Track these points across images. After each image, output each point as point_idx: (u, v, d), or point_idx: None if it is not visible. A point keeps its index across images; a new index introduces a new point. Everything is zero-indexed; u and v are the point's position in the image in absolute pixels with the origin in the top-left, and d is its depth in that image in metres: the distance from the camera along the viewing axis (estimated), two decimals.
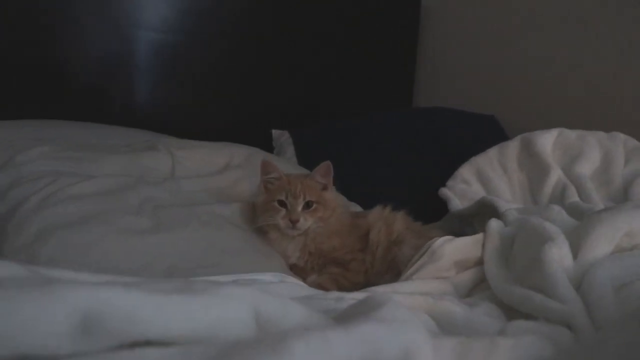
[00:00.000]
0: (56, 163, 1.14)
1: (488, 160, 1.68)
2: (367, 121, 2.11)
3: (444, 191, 1.61)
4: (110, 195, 1.05)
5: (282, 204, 1.21)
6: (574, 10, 2.03)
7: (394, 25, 2.50)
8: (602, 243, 0.87)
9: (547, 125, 1.68)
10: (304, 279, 1.18)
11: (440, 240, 1.03)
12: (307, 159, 1.92)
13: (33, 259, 0.86)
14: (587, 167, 1.54)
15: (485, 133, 2.05)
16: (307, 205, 1.21)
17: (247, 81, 2.18)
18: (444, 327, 0.74)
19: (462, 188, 1.61)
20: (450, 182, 1.66)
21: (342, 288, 1.12)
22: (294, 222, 1.19)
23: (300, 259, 1.23)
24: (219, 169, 1.41)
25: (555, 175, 1.53)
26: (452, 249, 1.01)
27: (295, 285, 0.93)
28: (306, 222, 1.20)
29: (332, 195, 1.28)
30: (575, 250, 0.87)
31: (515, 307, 0.82)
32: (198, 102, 2.08)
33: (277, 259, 1.17)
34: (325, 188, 1.26)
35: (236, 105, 2.17)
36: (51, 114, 1.70)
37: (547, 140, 1.63)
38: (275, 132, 2.17)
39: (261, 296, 0.49)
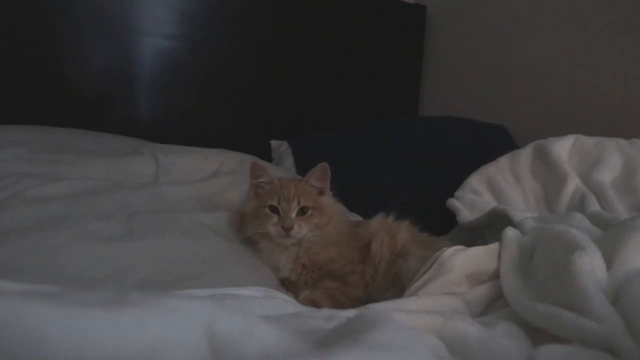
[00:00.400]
0: (26, 165, 1.03)
1: (499, 169, 1.58)
2: (369, 129, 2.00)
3: (452, 202, 1.50)
4: (79, 198, 0.93)
5: (274, 209, 1.09)
6: (584, 15, 1.94)
7: (400, 33, 2.44)
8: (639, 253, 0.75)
9: (558, 134, 1.57)
10: (297, 296, 1.05)
11: (450, 250, 0.90)
12: (306, 169, 1.79)
13: None
14: (607, 175, 1.43)
15: (494, 142, 1.94)
16: (302, 211, 1.09)
17: (249, 92, 2.10)
18: (456, 351, 0.62)
19: (472, 198, 1.50)
20: (459, 193, 1.55)
21: (338, 305, 1.00)
22: (287, 230, 1.06)
23: (292, 271, 1.10)
24: (208, 175, 1.30)
25: (573, 183, 1.41)
26: (464, 260, 0.88)
27: (282, 301, 0.81)
28: (301, 229, 1.08)
29: (330, 201, 1.16)
30: (608, 261, 0.75)
31: (541, 326, 0.69)
32: (199, 113, 2.01)
33: (266, 272, 1.05)
34: (321, 193, 1.14)
35: (238, 115, 2.09)
36: (52, 124, 1.61)
37: (563, 147, 1.52)
38: (274, 143, 2.08)
39: (218, 312, 0.37)
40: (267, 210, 1.09)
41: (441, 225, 1.47)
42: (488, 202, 1.47)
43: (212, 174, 1.30)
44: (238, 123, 2.08)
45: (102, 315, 0.33)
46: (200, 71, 1.97)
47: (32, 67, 1.68)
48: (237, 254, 1.03)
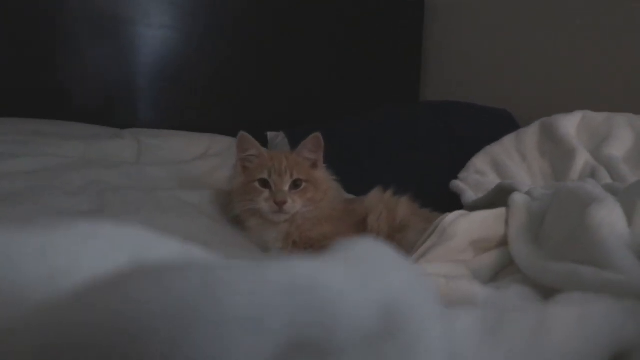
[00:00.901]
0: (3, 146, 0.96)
1: (504, 149, 1.50)
2: (371, 115, 1.92)
3: (456, 183, 1.42)
4: (45, 173, 0.86)
5: (265, 183, 1.01)
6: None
7: (398, 21, 2.38)
8: None
9: None
10: None
11: (452, 215, 0.82)
12: None
13: None
14: (618, 149, 1.34)
15: (499, 126, 1.86)
16: (295, 184, 1.02)
17: (248, 85, 2.03)
18: None
19: (477, 179, 1.42)
20: (462, 174, 1.48)
21: None
22: (280, 205, 0.99)
23: (282, 250, 1.01)
24: (194, 157, 1.22)
25: (582, 158, 1.33)
26: (468, 226, 0.80)
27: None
28: (295, 204, 1.01)
29: (324, 174, 1.09)
30: (628, 216, 0.67)
31: (557, 286, 0.60)
32: (198, 108, 1.92)
33: (251, 252, 0.96)
34: (314, 165, 1.07)
35: (237, 109, 2.01)
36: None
37: (571, 123, 1.45)
38: (270, 134, 2.00)
39: (150, 239, 0.30)
40: (257, 184, 1.01)
41: (445, 211, 1.39)
42: (493, 182, 1.38)
43: (199, 156, 1.23)
44: (237, 117, 2.01)
45: None
46: (200, 67, 1.90)
47: (30, 68, 1.61)
48: (220, 234, 0.95)
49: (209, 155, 1.24)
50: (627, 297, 0.50)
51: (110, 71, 1.72)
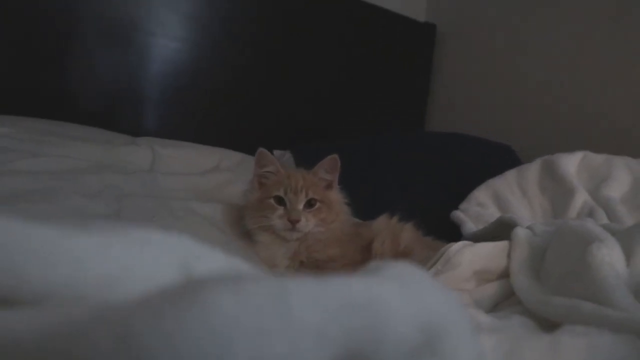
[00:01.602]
0: (12, 142, 0.98)
1: (506, 183, 1.54)
2: (375, 142, 1.96)
3: (457, 214, 1.45)
4: (64, 175, 0.88)
5: (280, 201, 1.04)
6: (594, 35, 1.92)
7: (409, 50, 2.44)
8: None
9: None
10: None
11: (457, 245, 0.84)
12: None
13: None
14: (616, 191, 1.39)
15: (501, 162, 1.90)
16: (309, 203, 1.05)
17: (256, 101, 2.07)
18: None
19: (477, 211, 1.45)
20: (463, 205, 1.51)
21: None
22: (293, 222, 1.01)
23: (289, 268, 1.05)
24: (206, 170, 1.24)
25: (581, 198, 1.37)
26: (472, 256, 0.83)
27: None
28: (308, 223, 1.03)
29: (338, 196, 1.12)
30: (626, 256, 0.70)
31: (558, 319, 0.63)
32: (205, 120, 1.95)
33: (258, 265, 0.98)
34: (329, 186, 1.10)
35: (244, 124, 2.05)
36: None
37: (571, 163, 1.49)
38: (277, 152, 2.03)
39: (198, 249, 0.32)
40: (272, 201, 1.04)
41: (445, 239, 1.42)
42: (493, 214, 1.42)
43: (211, 169, 1.25)
44: (244, 131, 2.04)
45: (57, 235, 0.27)
46: (208, 79, 1.93)
47: (39, 69, 1.64)
48: (229, 246, 0.97)
49: (220, 169, 1.27)
50: (625, 333, 0.52)
51: (118, 77, 1.75)
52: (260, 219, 1.03)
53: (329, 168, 1.08)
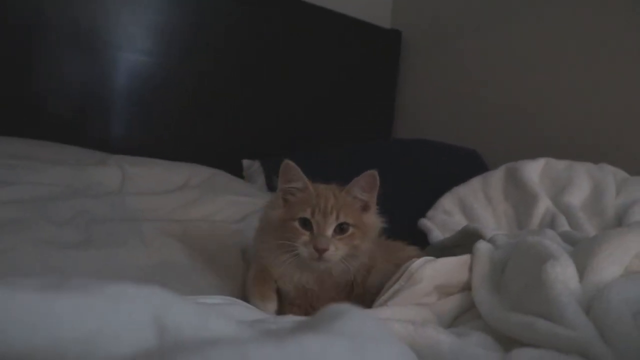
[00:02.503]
0: None
1: (471, 190, 1.58)
2: (343, 152, 1.99)
3: (424, 222, 1.49)
4: (33, 204, 0.88)
5: (306, 223, 0.92)
6: (559, 42, 1.98)
7: (375, 57, 2.46)
8: (611, 264, 0.74)
9: (530, 158, 1.58)
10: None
11: (419, 261, 0.87)
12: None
13: None
14: (577, 197, 1.44)
15: (467, 166, 1.94)
16: (340, 228, 0.92)
17: (224, 111, 2.09)
18: None
19: (444, 219, 1.49)
20: (430, 213, 1.55)
21: None
22: (320, 252, 0.89)
23: (308, 283, 0.96)
24: (175, 188, 1.25)
25: (544, 205, 1.42)
26: (433, 272, 0.86)
27: (246, 309, 0.77)
28: (337, 252, 0.91)
29: (375, 220, 1.00)
30: (580, 272, 0.74)
31: (515, 336, 0.67)
32: (174, 130, 1.96)
33: (236, 282, 0.99)
34: (365, 208, 0.98)
35: (212, 134, 2.06)
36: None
37: (534, 170, 1.54)
38: (245, 162, 2.05)
39: (170, 301, 0.34)
40: (296, 224, 0.92)
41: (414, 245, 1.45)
42: (459, 222, 1.46)
43: (180, 186, 1.26)
44: (212, 142, 2.05)
45: (35, 300, 0.29)
46: (176, 89, 1.94)
47: (5, 83, 1.62)
48: (206, 263, 0.98)
49: (189, 186, 1.27)
50: (573, 353, 0.56)
51: (86, 88, 1.75)
52: (283, 243, 0.92)
53: (366, 185, 0.96)
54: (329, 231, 0.91)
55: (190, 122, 1.98)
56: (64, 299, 0.30)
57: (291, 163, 0.94)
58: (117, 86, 1.81)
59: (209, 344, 0.26)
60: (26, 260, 0.75)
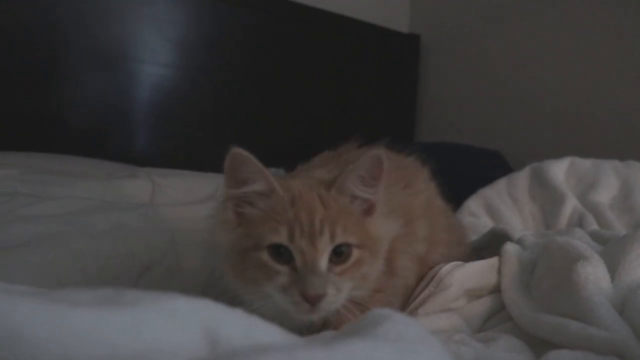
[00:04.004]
0: (19, 185, 1.01)
1: (497, 192, 1.58)
2: None
3: None
4: (71, 218, 0.91)
5: (281, 253, 0.63)
6: (578, 41, 1.97)
7: (394, 61, 2.47)
8: None
9: (554, 158, 1.58)
10: None
11: (448, 266, 0.87)
12: None
13: None
14: (604, 195, 1.43)
15: (491, 167, 1.94)
16: (338, 252, 0.64)
17: (245, 122, 2.10)
18: None
19: (470, 221, 1.49)
20: (457, 215, 1.54)
21: None
22: (313, 301, 0.61)
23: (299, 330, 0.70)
24: (205, 197, 1.28)
25: (571, 204, 1.41)
26: (462, 276, 0.86)
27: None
28: (339, 294, 0.64)
29: (385, 227, 0.71)
30: (611, 272, 0.74)
31: (546, 337, 0.67)
32: (195, 142, 1.98)
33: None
34: (370, 210, 0.69)
35: (235, 144, 2.07)
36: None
37: (559, 169, 1.53)
38: (270, 170, 2.07)
39: (220, 314, 0.35)
40: (265, 256, 0.63)
41: None
42: (486, 224, 1.46)
43: (210, 196, 1.29)
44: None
45: (94, 314, 0.31)
46: (196, 100, 1.97)
47: (30, 99, 1.67)
48: None
49: (219, 196, 1.29)
50: (609, 354, 0.56)
51: (108, 102, 1.79)
52: (246, 285, 0.66)
53: (368, 175, 0.66)
54: (323, 263, 0.62)
55: (212, 132, 2.01)
56: (121, 314, 0.32)
57: (243, 153, 0.63)
58: (139, 99, 1.85)
59: (260, 351, 0.27)
60: (68, 273, 0.78)
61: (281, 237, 0.63)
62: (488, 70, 2.30)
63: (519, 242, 1.03)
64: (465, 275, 0.87)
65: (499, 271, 0.89)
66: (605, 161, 1.55)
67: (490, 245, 1.26)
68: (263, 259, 0.63)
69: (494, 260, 0.91)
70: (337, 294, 0.64)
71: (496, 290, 0.88)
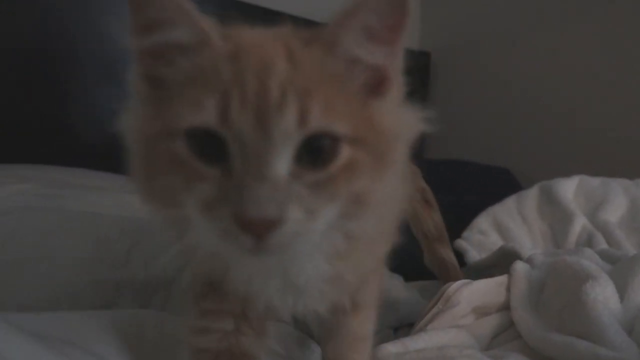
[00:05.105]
0: (33, 199, 1.03)
1: (506, 210, 1.58)
2: None
3: (460, 242, 1.49)
4: (84, 231, 0.93)
5: (208, 145, 0.39)
6: (587, 58, 1.98)
7: (404, 80, 2.48)
8: None
9: (563, 176, 1.58)
10: None
11: (456, 284, 0.88)
12: None
13: None
14: (613, 214, 1.43)
15: (500, 185, 1.95)
16: (312, 149, 0.39)
17: None
18: None
19: (479, 239, 1.50)
20: (466, 233, 1.55)
21: None
22: (258, 230, 0.37)
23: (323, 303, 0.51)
24: None
25: (580, 223, 1.41)
26: (470, 294, 0.87)
27: None
28: (311, 220, 0.39)
29: (400, 114, 0.49)
30: (620, 292, 0.74)
31: (555, 356, 0.68)
32: None
33: None
34: (379, 85, 0.46)
35: None
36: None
37: (568, 188, 1.54)
38: None
39: None
40: (180, 147, 0.39)
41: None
42: (495, 242, 1.46)
43: None
44: None
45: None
46: None
47: (40, 113, 1.69)
48: None
49: None
50: None
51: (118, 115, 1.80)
52: (157, 205, 0.43)
53: (381, 23, 0.43)
54: (280, 162, 0.38)
55: None
56: None
57: None
58: None
59: None
60: (81, 286, 0.79)
61: (207, 115, 0.37)
62: (497, 88, 2.31)
63: (528, 260, 1.04)
64: (474, 293, 0.88)
65: (508, 289, 0.89)
66: (614, 180, 1.56)
67: (499, 263, 1.27)
68: (177, 154, 0.39)
69: (502, 279, 0.91)
70: (306, 221, 0.38)
71: (504, 308, 0.88)
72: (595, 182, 1.55)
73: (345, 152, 0.40)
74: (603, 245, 1.30)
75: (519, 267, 0.94)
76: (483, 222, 1.56)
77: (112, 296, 0.82)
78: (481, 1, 2.38)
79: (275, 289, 0.48)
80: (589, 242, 1.34)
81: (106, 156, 1.74)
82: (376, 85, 0.46)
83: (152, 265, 0.86)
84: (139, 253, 0.88)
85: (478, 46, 2.40)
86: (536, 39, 2.16)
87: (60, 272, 0.80)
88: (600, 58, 1.94)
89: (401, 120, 0.47)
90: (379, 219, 0.46)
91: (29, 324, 0.50)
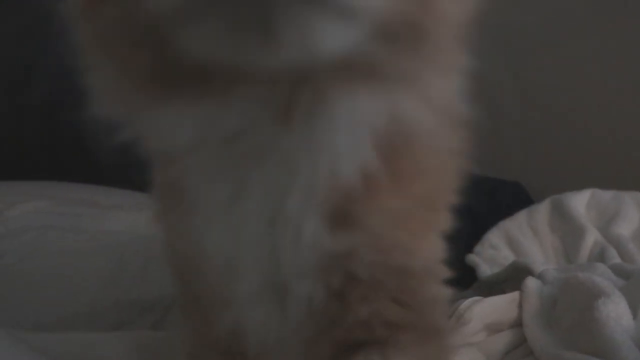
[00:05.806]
0: (50, 217, 1.05)
1: (517, 225, 1.58)
2: None
3: (472, 257, 1.49)
4: (108, 254, 0.94)
5: None
6: (597, 70, 1.98)
7: None
8: None
9: (574, 189, 1.58)
10: None
11: (467, 301, 0.88)
12: None
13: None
14: (626, 228, 1.43)
15: (511, 199, 1.95)
16: None
17: None
18: None
19: (491, 253, 1.50)
20: (477, 248, 1.55)
21: None
22: None
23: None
24: None
25: (592, 237, 1.41)
26: (482, 311, 0.87)
27: None
28: None
29: None
30: (633, 309, 0.74)
31: None
32: None
33: None
34: None
35: None
36: None
37: (580, 201, 1.54)
38: None
39: None
40: None
41: (462, 281, 1.46)
42: (507, 257, 1.46)
43: None
44: None
45: None
46: None
47: (52, 128, 1.71)
48: None
49: None
50: None
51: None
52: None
53: None
54: None
55: None
56: None
57: None
58: None
59: None
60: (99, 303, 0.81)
61: None
62: (508, 99, 2.31)
63: (540, 276, 1.04)
64: (485, 310, 0.88)
65: (520, 305, 0.90)
66: (626, 193, 1.56)
67: (510, 278, 1.27)
68: None
69: (514, 295, 0.92)
70: None
71: (516, 324, 0.88)
72: (607, 195, 1.55)
73: None
74: (616, 259, 1.29)
75: (531, 283, 0.94)
76: (494, 236, 1.56)
77: (128, 315, 0.83)
78: None
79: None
80: (601, 256, 1.33)
81: (116, 169, 1.79)
82: None
83: (167, 284, 0.87)
84: (154, 272, 0.88)
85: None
86: (545, 50, 2.16)
87: (76, 292, 0.81)
88: (614, 69, 1.93)
89: None
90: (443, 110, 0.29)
91: (40, 342, 0.52)
